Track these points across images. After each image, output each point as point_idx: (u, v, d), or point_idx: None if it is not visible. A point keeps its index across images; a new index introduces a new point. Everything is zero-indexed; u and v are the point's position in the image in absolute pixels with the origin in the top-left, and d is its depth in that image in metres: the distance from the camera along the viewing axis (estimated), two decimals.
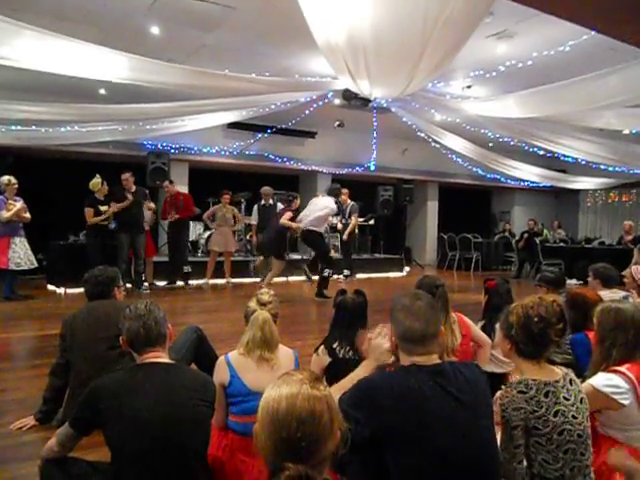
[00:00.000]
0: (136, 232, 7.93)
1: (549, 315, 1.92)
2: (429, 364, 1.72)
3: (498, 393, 2.28)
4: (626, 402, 2.10)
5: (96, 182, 7.68)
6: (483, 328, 3.45)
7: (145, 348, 1.97)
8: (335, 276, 8.81)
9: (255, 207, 9.58)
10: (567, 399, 1.85)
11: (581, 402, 1.89)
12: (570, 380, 1.92)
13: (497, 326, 3.28)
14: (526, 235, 12.19)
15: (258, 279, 9.05)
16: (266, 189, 9.31)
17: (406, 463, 1.61)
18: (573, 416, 1.83)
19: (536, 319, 1.91)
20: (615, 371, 2.17)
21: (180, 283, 8.78)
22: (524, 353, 1.96)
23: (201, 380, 2.03)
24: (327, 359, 2.62)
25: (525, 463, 1.86)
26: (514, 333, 1.95)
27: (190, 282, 8.82)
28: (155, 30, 6.57)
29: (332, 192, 8.39)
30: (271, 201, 9.35)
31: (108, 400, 1.81)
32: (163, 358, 1.99)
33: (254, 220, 9.52)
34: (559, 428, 1.80)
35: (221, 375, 2.48)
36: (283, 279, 10.00)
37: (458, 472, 1.59)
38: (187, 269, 8.77)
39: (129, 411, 1.78)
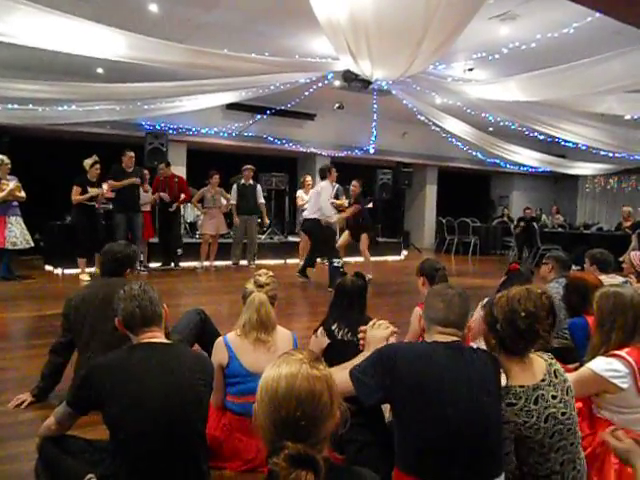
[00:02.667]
0: (133, 212, 7.88)
1: (537, 309, 1.79)
2: (447, 340, 1.82)
3: None
4: (625, 386, 2.11)
5: (87, 162, 7.55)
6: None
7: (142, 328, 1.96)
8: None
9: (234, 187, 9.05)
10: (555, 397, 1.79)
11: (567, 393, 1.84)
12: (555, 372, 1.85)
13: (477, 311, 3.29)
14: (522, 223, 12.17)
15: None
16: (247, 167, 9.03)
17: (410, 426, 1.70)
18: (562, 413, 1.79)
19: (523, 314, 1.78)
20: (615, 355, 2.18)
21: (173, 265, 8.77)
22: (510, 349, 1.83)
23: (199, 359, 2.04)
24: (325, 340, 2.62)
25: (514, 459, 1.84)
26: (499, 328, 1.82)
27: (180, 264, 8.79)
28: (153, 8, 6.46)
29: (320, 173, 8.05)
30: (251, 181, 9.05)
31: (106, 379, 1.80)
32: (160, 338, 1.98)
33: (233, 200, 9.00)
34: (551, 431, 1.76)
35: (220, 356, 2.49)
36: (281, 261, 10.00)
37: (459, 441, 1.65)
38: (179, 251, 8.72)
39: (129, 390, 1.77)
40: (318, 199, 7.46)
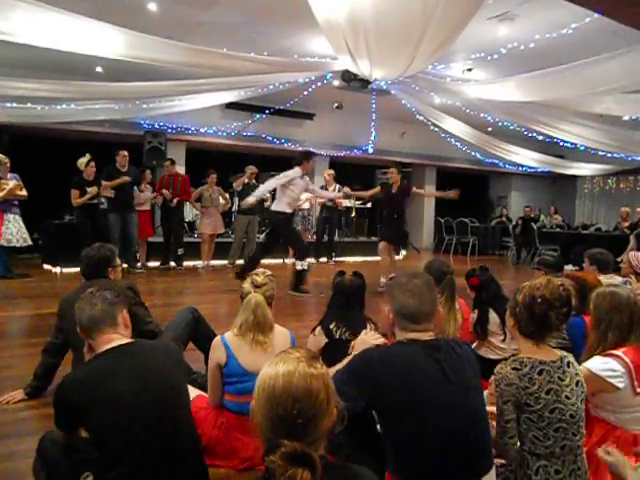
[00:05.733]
0: (127, 212, 7.86)
1: (553, 298, 1.91)
2: (423, 339, 1.78)
3: (493, 376, 2.31)
4: (621, 385, 2.12)
5: (81, 161, 7.57)
6: (478, 320, 3.39)
7: (96, 333, 1.93)
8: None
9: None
10: (562, 379, 1.87)
11: (577, 385, 1.90)
12: (568, 362, 1.93)
13: (491, 317, 3.30)
14: (521, 221, 12.19)
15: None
16: (250, 167, 9.02)
17: (398, 433, 1.66)
18: (566, 397, 1.85)
19: (539, 300, 1.91)
20: (611, 355, 2.19)
21: (172, 264, 8.74)
22: (525, 332, 1.97)
23: (162, 347, 2.06)
24: (323, 339, 2.63)
25: (517, 440, 1.89)
26: (518, 311, 1.96)
27: (184, 264, 8.76)
28: (152, 7, 6.46)
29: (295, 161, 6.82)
30: (254, 181, 9.04)
31: (80, 394, 1.77)
32: (119, 339, 1.94)
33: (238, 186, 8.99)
34: (551, 406, 1.82)
35: (218, 355, 2.49)
36: (279, 261, 10.00)
37: (448, 443, 1.63)
38: (181, 251, 8.70)
39: (108, 398, 1.75)
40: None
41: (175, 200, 8.50)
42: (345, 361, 2.03)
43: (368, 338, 2.16)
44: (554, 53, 6.61)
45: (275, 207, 6.76)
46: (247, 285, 2.61)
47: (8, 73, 7.62)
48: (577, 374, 1.94)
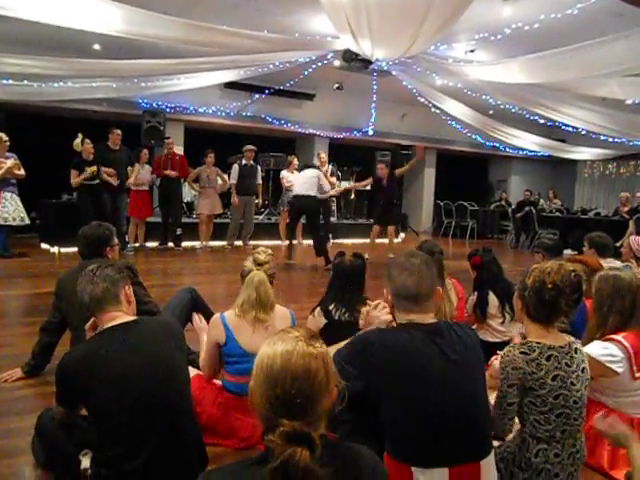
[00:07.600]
0: (117, 191, 7.78)
1: (564, 284, 1.86)
2: (425, 322, 1.75)
3: (493, 357, 2.31)
4: (620, 370, 2.12)
5: (76, 143, 7.51)
6: (478, 303, 3.41)
7: (99, 312, 1.93)
8: None
9: (235, 166, 8.95)
10: (569, 365, 1.85)
11: (582, 371, 1.89)
12: (575, 349, 1.92)
13: (490, 299, 3.30)
14: (527, 208, 12.11)
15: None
16: (248, 147, 8.95)
17: (398, 417, 1.65)
18: (572, 383, 1.84)
19: (550, 286, 1.86)
20: (611, 339, 2.19)
21: (171, 244, 8.70)
22: (533, 316, 1.93)
23: (166, 326, 2.04)
24: (323, 321, 2.62)
25: (517, 421, 1.90)
26: (527, 295, 1.92)
27: (182, 244, 8.73)
28: None
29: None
30: (252, 162, 9.04)
31: (82, 371, 1.76)
32: (122, 317, 1.93)
33: (234, 179, 8.92)
34: (555, 392, 1.81)
35: (216, 333, 2.48)
36: (277, 242, 9.98)
37: (449, 427, 1.62)
38: (179, 232, 8.65)
39: (110, 376, 1.75)
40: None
41: (174, 173, 8.43)
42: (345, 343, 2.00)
43: (380, 314, 2.01)
44: (558, 34, 6.52)
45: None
46: (249, 263, 2.56)
47: (3, 49, 7.50)
48: (583, 360, 1.92)
